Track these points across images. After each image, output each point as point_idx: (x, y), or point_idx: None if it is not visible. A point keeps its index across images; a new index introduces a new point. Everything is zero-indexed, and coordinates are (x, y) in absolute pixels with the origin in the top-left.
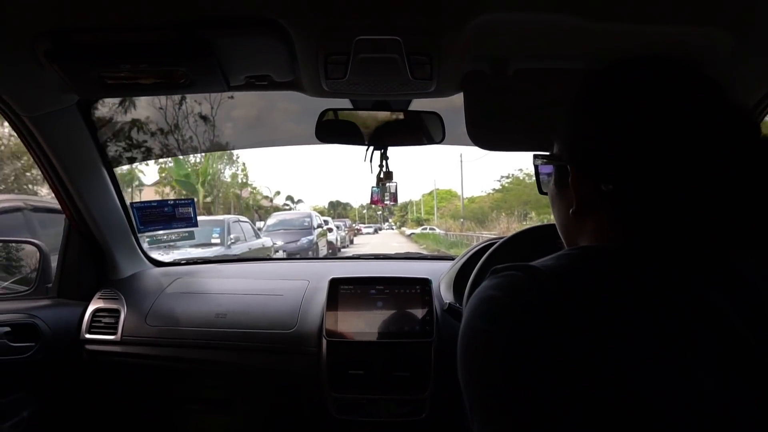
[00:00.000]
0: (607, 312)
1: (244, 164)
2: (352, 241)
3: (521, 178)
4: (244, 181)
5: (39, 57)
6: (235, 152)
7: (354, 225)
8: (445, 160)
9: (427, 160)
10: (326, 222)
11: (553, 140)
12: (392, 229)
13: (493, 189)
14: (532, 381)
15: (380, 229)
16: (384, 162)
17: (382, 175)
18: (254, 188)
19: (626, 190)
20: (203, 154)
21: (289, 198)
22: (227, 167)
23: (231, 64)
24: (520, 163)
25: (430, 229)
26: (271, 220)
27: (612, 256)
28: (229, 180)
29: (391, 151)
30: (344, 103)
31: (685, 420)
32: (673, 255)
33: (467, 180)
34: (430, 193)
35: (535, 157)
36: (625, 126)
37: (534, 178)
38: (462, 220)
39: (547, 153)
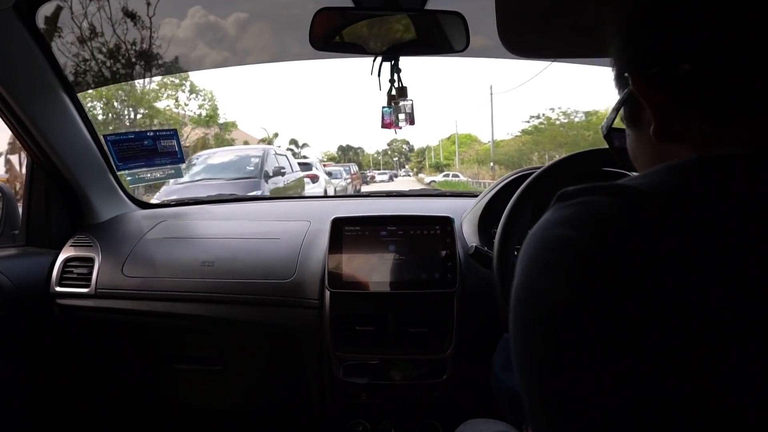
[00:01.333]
0: (754, 251)
1: (211, 93)
2: (359, 191)
3: (553, 118)
4: (210, 114)
5: None
6: (195, 78)
7: (367, 171)
8: (464, 98)
9: (445, 99)
10: (306, 165)
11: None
12: (409, 175)
13: (521, 131)
14: (634, 369)
15: (396, 176)
16: (396, 76)
17: (394, 92)
18: (227, 124)
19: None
20: (185, 73)
21: (293, 141)
22: (167, 90)
23: None
24: (552, 100)
25: (453, 175)
26: (198, 164)
27: (742, 164)
28: (180, 112)
29: (404, 62)
30: (344, 1)
31: None
32: None
33: (488, 122)
34: (449, 138)
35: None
36: None
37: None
38: (492, 164)
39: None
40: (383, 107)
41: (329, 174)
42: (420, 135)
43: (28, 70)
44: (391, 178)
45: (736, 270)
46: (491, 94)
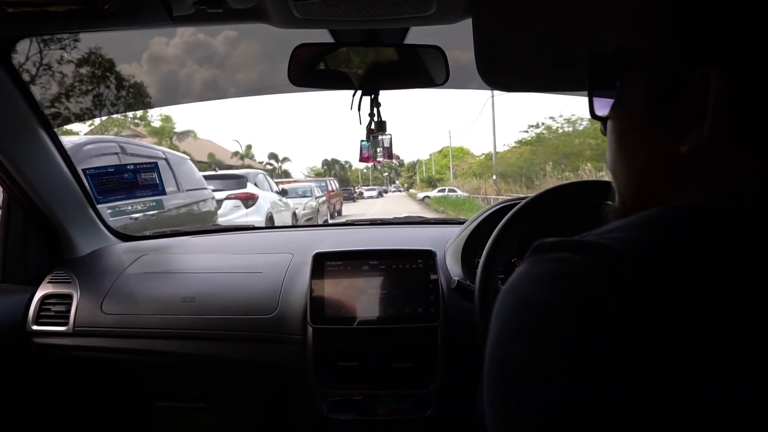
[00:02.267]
0: (741, 317)
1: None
2: (339, 212)
3: (554, 127)
4: (142, 117)
5: None
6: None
7: (355, 188)
8: (456, 108)
9: (435, 113)
10: (236, 179)
11: (642, 29)
12: (399, 191)
13: (517, 142)
14: None
15: (386, 192)
16: (375, 110)
17: (373, 126)
18: (163, 129)
19: None
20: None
21: (273, 156)
22: None
23: None
24: (549, 108)
25: (450, 190)
26: None
27: (741, 219)
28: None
29: (384, 96)
30: (323, 36)
31: None
32: None
33: (480, 133)
34: (440, 151)
35: (592, 67)
36: None
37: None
38: (495, 177)
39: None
40: (362, 141)
41: (283, 192)
42: (410, 149)
43: (3, 108)
44: (380, 194)
45: (715, 333)
46: (492, 96)
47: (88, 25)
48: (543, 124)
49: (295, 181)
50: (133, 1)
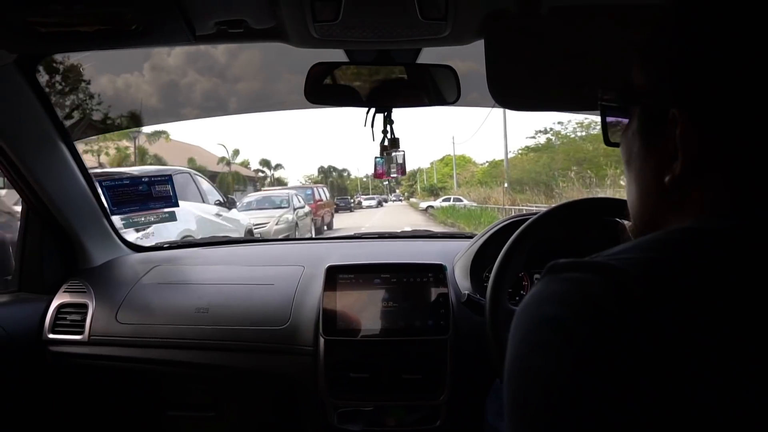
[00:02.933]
0: (740, 333)
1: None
2: (329, 226)
3: (564, 132)
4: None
5: None
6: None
7: (355, 197)
8: (456, 120)
9: (435, 121)
10: None
11: (639, 68)
12: (400, 200)
13: (523, 148)
14: None
15: (386, 201)
16: (389, 127)
17: (386, 143)
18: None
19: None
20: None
21: (265, 162)
22: None
23: (195, 5)
24: (557, 114)
25: (455, 199)
26: None
27: (738, 240)
28: None
29: (397, 113)
30: (338, 55)
31: None
32: None
33: (481, 141)
34: (442, 159)
35: (603, 99)
36: None
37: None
38: (506, 185)
39: (617, 92)
40: (376, 157)
41: (230, 203)
42: (410, 157)
43: (27, 122)
44: (379, 204)
45: (720, 349)
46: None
47: (116, 44)
48: (551, 129)
49: (270, 189)
50: (159, 22)
